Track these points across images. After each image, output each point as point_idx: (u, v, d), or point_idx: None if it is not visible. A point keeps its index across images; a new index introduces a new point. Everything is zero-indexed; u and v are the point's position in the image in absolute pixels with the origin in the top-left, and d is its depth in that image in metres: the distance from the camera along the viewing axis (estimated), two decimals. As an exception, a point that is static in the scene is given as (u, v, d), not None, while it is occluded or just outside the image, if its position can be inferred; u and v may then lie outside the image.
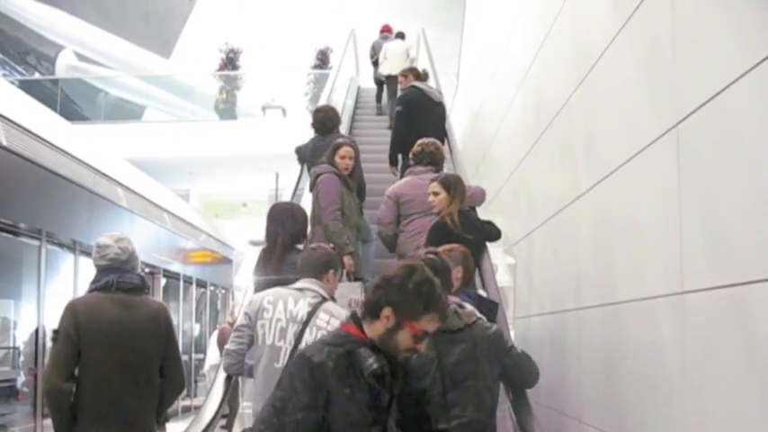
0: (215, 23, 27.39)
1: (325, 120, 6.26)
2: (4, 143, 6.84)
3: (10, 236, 7.22)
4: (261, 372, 3.40)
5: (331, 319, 3.33)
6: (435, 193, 4.60)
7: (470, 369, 3.08)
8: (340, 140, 5.42)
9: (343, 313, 3.28)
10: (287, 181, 5.55)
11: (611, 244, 3.84)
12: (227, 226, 18.53)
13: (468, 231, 4.42)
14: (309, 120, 6.01)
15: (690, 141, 2.83)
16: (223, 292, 16.85)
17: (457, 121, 10.89)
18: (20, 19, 18.57)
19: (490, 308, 3.63)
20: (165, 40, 27.67)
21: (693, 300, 2.76)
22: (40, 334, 7.37)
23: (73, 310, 3.60)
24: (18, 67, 20.29)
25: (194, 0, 30.38)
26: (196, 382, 13.78)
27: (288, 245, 4.28)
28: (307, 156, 6.34)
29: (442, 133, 6.49)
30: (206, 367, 12.09)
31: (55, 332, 3.59)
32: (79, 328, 3.53)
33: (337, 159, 5.25)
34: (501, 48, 7.37)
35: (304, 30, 26.47)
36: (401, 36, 11.72)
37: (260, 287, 3.91)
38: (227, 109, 17.07)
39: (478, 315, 3.22)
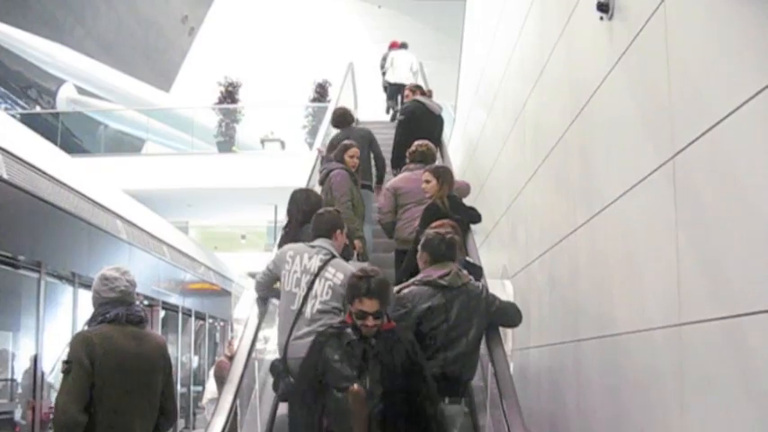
0: (214, 57, 27.66)
1: (345, 114, 7.61)
2: (5, 176, 6.87)
3: (9, 268, 7.23)
4: (282, 312, 4.23)
5: (337, 273, 4.09)
6: (427, 181, 5.31)
7: (465, 326, 3.93)
8: (347, 142, 6.35)
9: (349, 268, 4.05)
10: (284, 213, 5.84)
11: (608, 276, 3.85)
12: (225, 258, 18.51)
13: (456, 212, 5.11)
14: (311, 153, 6.72)
15: (686, 174, 2.86)
16: (222, 324, 16.79)
17: (454, 153, 10.96)
18: (21, 53, 18.72)
19: (476, 271, 4.48)
20: (165, 73, 27.90)
21: (691, 331, 2.77)
22: (39, 366, 7.34)
23: (86, 342, 3.58)
24: (20, 101, 20.43)
25: (194, 34, 30.71)
26: (195, 414, 13.67)
27: (300, 221, 4.93)
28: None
29: (436, 142, 7.19)
30: (204, 400, 12.00)
31: (67, 363, 3.56)
32: (95, 360, 3.53)
33: (346, 158, 6.16)
34: (498, 81, 7.45)
35: (302, 63, 26.72)
36: (405, 46, 12.75)
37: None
38: (225, 142, 17.15)
39: (470, 278, 4.11)
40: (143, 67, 24.76)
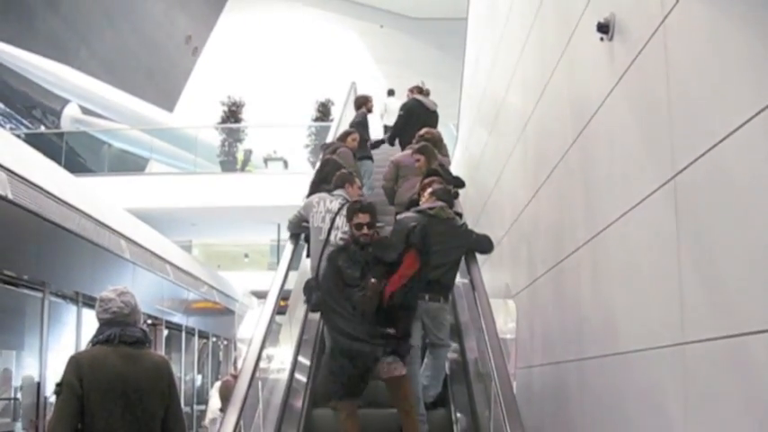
0: (217, 77, 27.83)
1: (360, 99, 10.16)
2: (10, 196, 6.91)
3: (13, 288, 7.24)
4: (313, 242, 5.63)
5: (342, 211, 5.46)
6: (417, 159, 6.78)
7: (449, 246, 5.29)
8: (349, 130, 8.81)
9: None
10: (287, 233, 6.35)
11: (611, 295, 3.86)
12: (229, 277, 18.53)
13: (444, 177, 6.37)
14: (311, 176, 7.47)
15: (687, 193, 2.88)
16: (225, 343, 16.76)
17: (456, 171, 10.98)
18: (27, 74, 18.85)
19: (458, 183, 6.51)
20: (169, 93, 28.06)
21: (694, 350, 2.77)
22: (42, 385, 7.34)
23: (76, 364, 3.59)
24: (24, 121, 20.53)
25: (197, 54, 30.91)
26: (198, 433, 13.62)
27: (317, 182, 6.65)
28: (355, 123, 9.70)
29: None
30: (207, 420, 11.96)
31: (58, 386, 3.57)
32: (83, 382, 3.53)
33: (349, 141, 8.44)
34: (499, 99, 7.49)
35: (305, 83, 26.87)
36: (392, 93, 15.01)
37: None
38: (228, 161, 17.22)
39: (455, 216, 5.57)
40: (147, 87, 24.92)
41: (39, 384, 7.39)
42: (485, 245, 5.58)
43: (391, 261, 4.59)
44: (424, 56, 28.24)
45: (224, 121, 17.89)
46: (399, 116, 9.35)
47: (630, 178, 3.52)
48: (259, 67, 29.53)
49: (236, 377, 8.39)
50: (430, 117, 9.08)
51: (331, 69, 27.27)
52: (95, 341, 3.73)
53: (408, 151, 7.27)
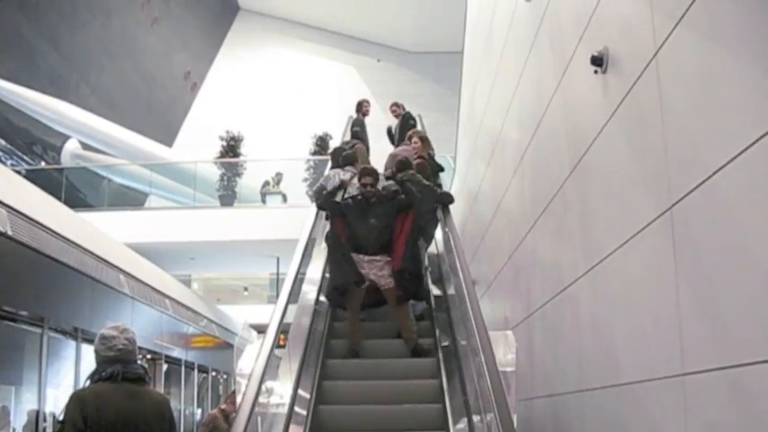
0: (216, 112, 28.00)
1: (357, 105, 11.57)
2: (9, 233, 6.92)
3: (12, 323, 7.23)
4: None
5: (354, 179, 7.36)
6: (415, 142, 8.80)
7: (425, 200, 7.11)
8: (353, 141, 10.25)
9: None
10: (287, 266, 6.38)
11: (610, 326, 3.86)
12: (228, 311, 18.46)
13: (430, 163, 8.62)
14: (312, 207, 8.01)
15: (684, 224, 2.89)
16: (225, 377, 16.66)
17: (455, 204, 11.00)
18: (28, 111, 18.98)
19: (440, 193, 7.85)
20: (168, 128, 28.21)
21: (694, 381, 2.77)
22: (40, 420, 7.29)
23: (80, 401, 3.57)
24: (25, 157, 20.59)
25: (196, 90, 31.13)
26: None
27: (335, 165, 8.68)
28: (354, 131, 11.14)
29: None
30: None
31: (61, 423, 3.55)
32: (87, 419, 3.50)
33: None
34: (496, 132, 7.55)
35: (303, 116, 27.03)
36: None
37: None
38: (228, 195, 17.25)
39: (428, 183, 7.66)
40: (146, 122, 25.05)
41: (36, 419, 7.33)
42: (448, 197, 7.58)
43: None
44: (420, 89, 28.43)
45: (223, 155, 17.95)
46: (397, 126, 11.13)
47: (627, 209, 3.54)
48: (257, 102, 29.72)
49: (223, 411, 8.46)
50: (413, 124, 11.20)
51: (329, 103, 27.44)
52: (97, 378, 3.71)
53: (404, 146, 9.25)
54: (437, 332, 6.97)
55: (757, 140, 2.29)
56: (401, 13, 29.59)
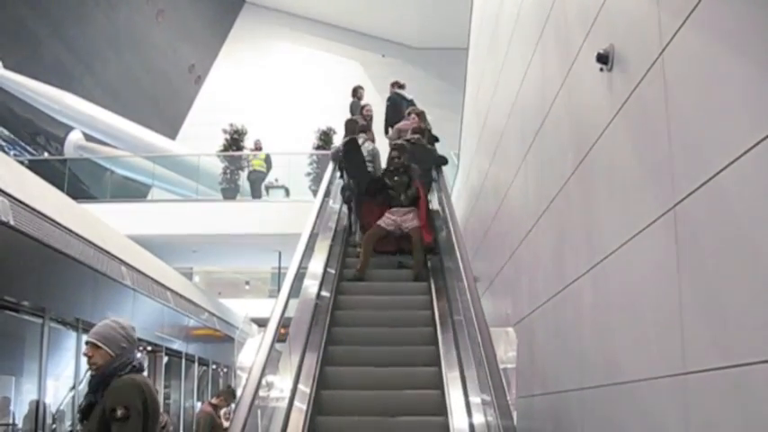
0: (220, 105, 27.99)
1: (352, 91, 13.37)
2: (12, 222, 6.91)
3: (13, 313, 7.23)
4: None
5: (364, 143, 9.65)
6: (414, 118, 10.18)
7: (424, 159, 9.10)
8: (354, 118, 11.05)
9: (370, 143, 10.07)
10: (289, 260, 6.40)
11: (612, 325, 3.85)
12: (229, 304, 18.46)
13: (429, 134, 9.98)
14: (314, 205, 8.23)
15: (687, 222, 2.88)
16: (225, 370, 16.67)
17: (458, 200, 11.01)
18: (32, 101, 18.98)
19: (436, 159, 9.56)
20: (172, 121, 28.22)
21: (696, 380, 2.76)
22: (40, 411, 7.30)
23: (140, 388, 3.74)
24: (28, 148, 20.58)
25: (200, 83, 31.12)
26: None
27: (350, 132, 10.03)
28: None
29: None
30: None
31: (126, 409, 3.63)
32: (147, 407, 3.71)
33: (364, 112, 11.64)
34: (500, 129, 7.53)
35: (307, 111, 27.02)
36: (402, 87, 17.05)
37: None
38: (230, 188, 17.25)
39: (429, 146, 9.60)
40: (150, 114, 25.05)
41: (37, 409, 7.34)
42: (440, 160, 9.42)
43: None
44: (425, 85, 28.32)
45: (226, 148, 17.94)
46: (387, 107, 11.92)
47: (630, 207, 3.53)
48: (261, 96, 29.71)
49: (214, 405, 8.46)
50: (409, 105, 11.64)
51: (333, 98, 27.41)
52: (131, 368, 3.83)
53: (405, 121, 10.50)
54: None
55: (762, 140, 2.29)
56: (406, 8, 29.57)
